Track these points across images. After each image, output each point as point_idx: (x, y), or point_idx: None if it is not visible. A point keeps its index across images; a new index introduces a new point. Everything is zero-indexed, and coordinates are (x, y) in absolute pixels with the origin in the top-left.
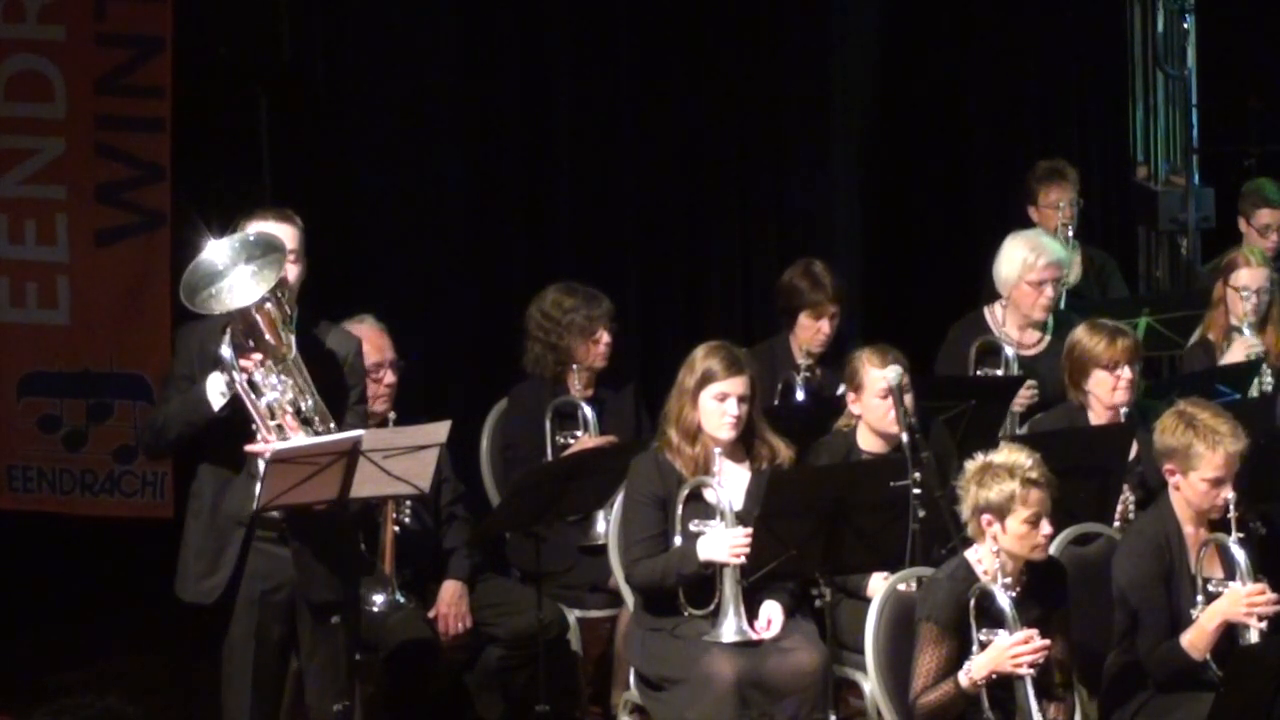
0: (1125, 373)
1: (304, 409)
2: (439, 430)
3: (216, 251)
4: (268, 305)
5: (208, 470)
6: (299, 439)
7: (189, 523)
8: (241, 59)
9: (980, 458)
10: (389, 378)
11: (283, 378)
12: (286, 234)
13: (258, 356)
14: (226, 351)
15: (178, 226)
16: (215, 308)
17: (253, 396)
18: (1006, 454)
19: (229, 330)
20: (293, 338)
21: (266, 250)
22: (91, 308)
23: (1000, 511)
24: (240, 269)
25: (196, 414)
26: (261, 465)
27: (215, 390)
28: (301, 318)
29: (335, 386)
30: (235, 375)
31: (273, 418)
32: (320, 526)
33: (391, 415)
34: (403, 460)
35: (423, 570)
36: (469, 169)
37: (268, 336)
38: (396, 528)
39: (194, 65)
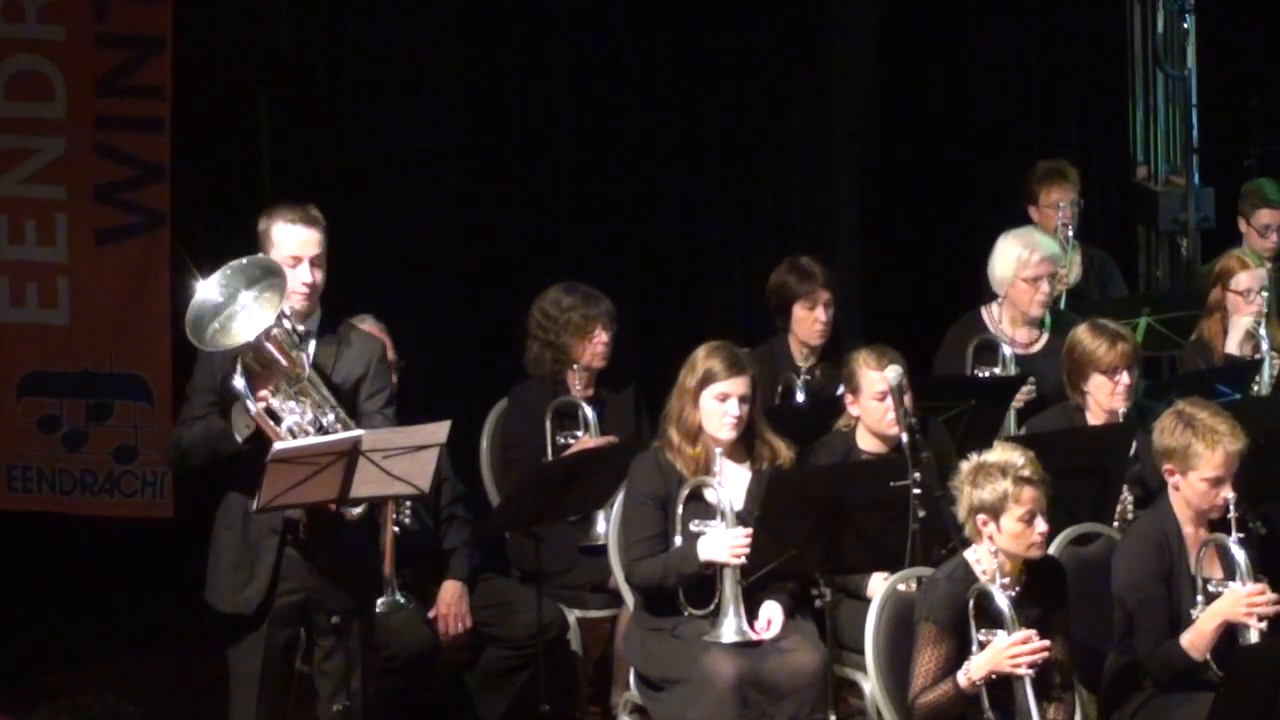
0: (1124, 378)
1: (325, 424)
2: (439, 430)
3: (209, 289)
4: (275, 332)
5: (240, 481)
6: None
7: (221, 534)
8: (241, 59)
9: (974, 458)
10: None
11: (300, 399)
12: (310, 237)
13: (270, 389)
14: (240, 383)
15: (178, 226)
16: (223, 342)
17: (272, 424)
18: (999, 453)
19: (240, 361)
20: (304, 356)
21: (265, 274)
22: (91, 308)
23: (995, 511)
24: (241, 296)
25: (220, 445)
26: None
27: (240, 424)
28: (326, 319)
29: (356, 393)
30: (250, 405)
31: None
32: (341, 532)
33: None
34: (403, 460)
35: (423, 570)
36: (469, 168)
37: (280, 360)
38: (396, 528)
39: (194, 65)
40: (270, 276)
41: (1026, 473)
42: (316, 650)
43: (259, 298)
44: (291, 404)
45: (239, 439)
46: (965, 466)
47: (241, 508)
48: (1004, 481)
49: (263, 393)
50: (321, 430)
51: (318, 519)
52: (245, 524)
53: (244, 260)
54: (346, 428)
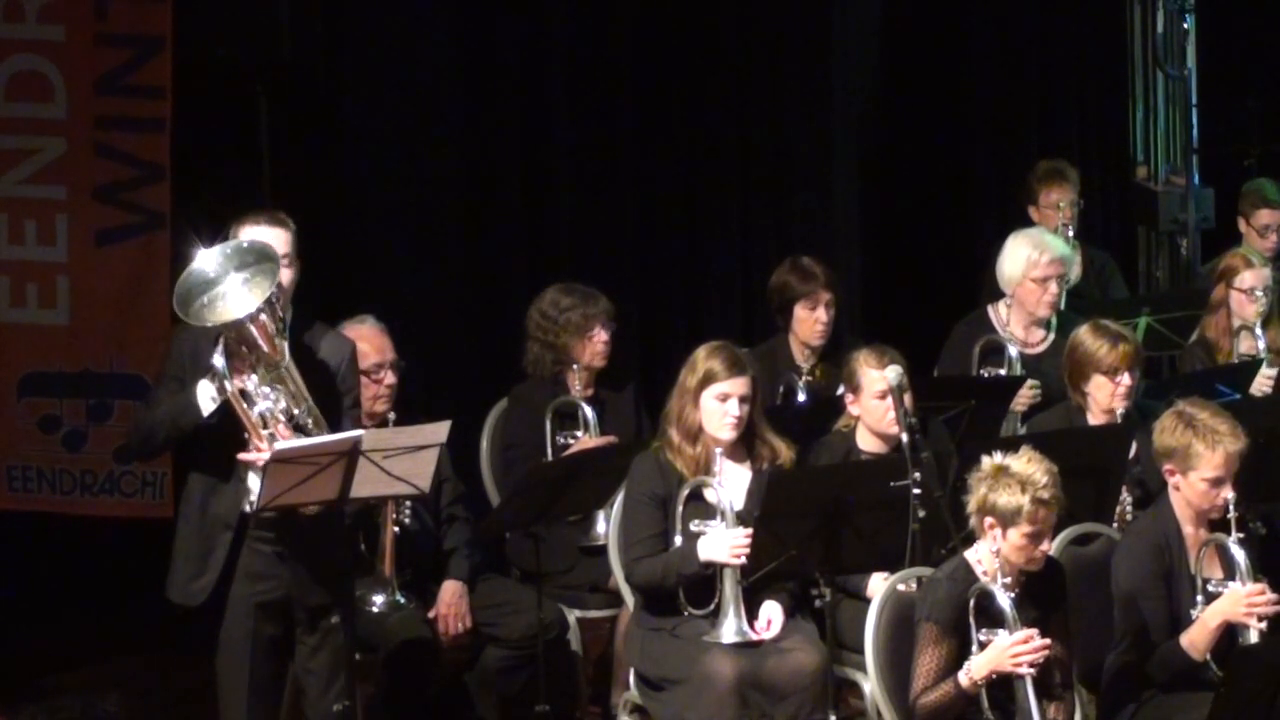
0: (1125, 379)
1: (297, 415)
2: (439, 430)
3: (207, 260)
4: (262, 316)
5: (198, 474)
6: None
7: (179, 527)
8: (241, 59)
9: (999, 457)
10: (389, 378)
11: (275, 386)
12: (279, 238)
13: (251, 367)
14: (219, 361)
15: (177, 227)
16: (209, 318)
17: (244, 406)
18: (1024, 463)
19: (223, 339)
20: (285, 345)
21: (260, 259)
22: (91, 308)
23: (1004, 519)
24: (231, 277)
25: (185, 419)
26: (252, 472)
27: (205, 396)
28: (298, 318)
29: (329, 392)
30: (228, 384)
31: (265, 427)
32: (312, 529)
33: (391, 415)
34: (403, 460)
35: (423, 570)
36: (469, 169)
37: (262, 345)
38: (396, 528)
39: (194, 65)
40: (264, 261)
41: (1045, 495)
42: (300, 649)
43: (249, 280)
44: (266, 389)
45: (203, 412)
46: (987, 463)
47: (197, 502)
48: (1021, 497)
49: (240, 373)
50: (292, 421)
51: (283, 515)
52: (201, 516)
53: (244, 242)
54: (318, 422)
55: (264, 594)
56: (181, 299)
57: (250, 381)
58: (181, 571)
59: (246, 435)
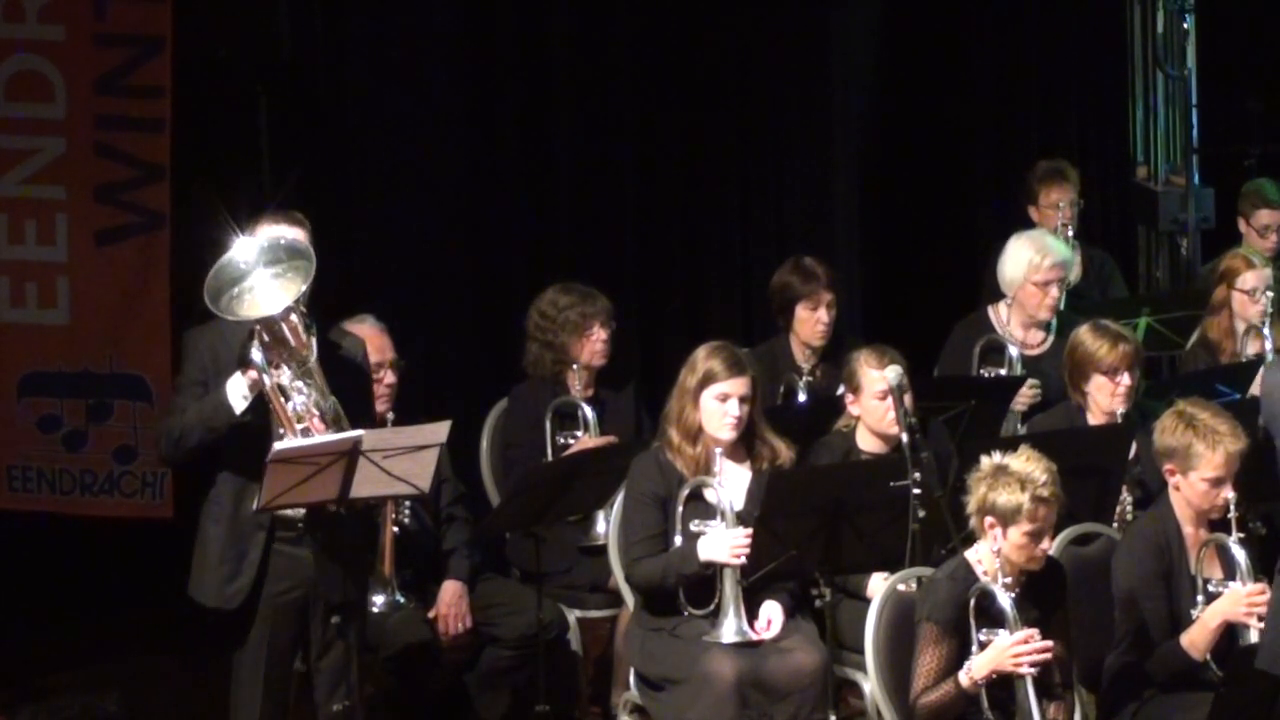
0: (1125, 379)
1: (324, 411)
2: (439, 430)
3: (243, 251)
4: (293, 314)
5: (227, 475)
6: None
7: (207, 528)
8: (241, 59)
9: (997, 457)
10: (389, 378)
11: (307, 381)
12: (294, 235)
13: (283, 361)
14: (258, 355)
15: (178, 226)
16: (238, 311)
17: (282, 400)
18: (1024, 461)
19: (256, 334)
20: (314, 341)
21: (293, 255)
22: (91, 308)
23: (1004, 518)
24: (260, 272)
25: (218, 418)
26: None
27: (237, 393)
28: (316, 317)
29: (354, 391)
30: (266, 378)
31: (300, 421)
32: (339, 527)
33: (390, 415)
34: (403, 460)
35: (423, 571)
36: (469, 168)
37: (291, 341)
38: (396, 528)
39: (194, 65)
40: (297, 258)
41: (1045, 493)
42: (312, 648)
43: (280, 276)
44: (300, 384)
45: (236, 410)
46: (986, 463)
47: (228, 502)
48: (1021, 495)
49: (278, 366)
50: (322, 416)
51: (315, 515)
52: (232, 519)
53: (281, 239)
54: (338, 418)
55: (284, 595)
56: (213, 290)
57: (285, 376)
58: (214, 573)
59: (282, 431)
